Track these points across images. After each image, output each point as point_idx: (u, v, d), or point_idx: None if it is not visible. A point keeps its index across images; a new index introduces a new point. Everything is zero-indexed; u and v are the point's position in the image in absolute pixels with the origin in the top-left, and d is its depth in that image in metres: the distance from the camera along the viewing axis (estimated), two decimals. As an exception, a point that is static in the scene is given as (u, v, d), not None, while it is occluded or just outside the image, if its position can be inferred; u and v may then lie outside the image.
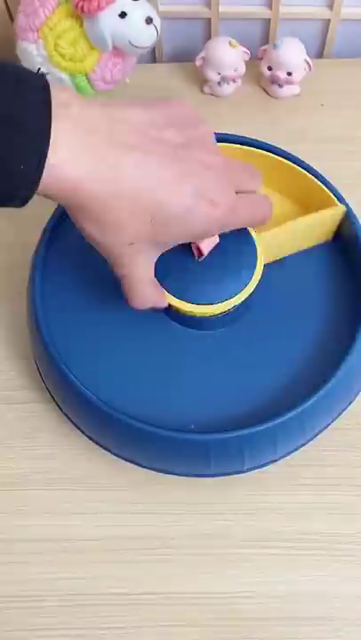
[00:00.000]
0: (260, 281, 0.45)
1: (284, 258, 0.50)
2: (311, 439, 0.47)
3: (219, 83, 0.65)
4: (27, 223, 0.51)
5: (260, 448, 0.44)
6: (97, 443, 0.48)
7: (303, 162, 0.50)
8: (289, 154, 0.51)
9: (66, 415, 0.49)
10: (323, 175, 0.50)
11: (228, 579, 0.46)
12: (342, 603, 0.45)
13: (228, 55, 0.63)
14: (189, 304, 0.44)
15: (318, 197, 0.49)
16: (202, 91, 0.67)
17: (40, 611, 0.46)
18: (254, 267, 0.44)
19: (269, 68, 0.64)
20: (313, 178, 0.49)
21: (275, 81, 0.65)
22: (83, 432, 0.49)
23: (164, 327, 0.47)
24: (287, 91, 0.65)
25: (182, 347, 0.47)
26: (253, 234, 0.45)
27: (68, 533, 0.48)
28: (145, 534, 0.48)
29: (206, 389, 0.45)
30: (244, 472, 0.46)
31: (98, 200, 0.36)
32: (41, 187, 0.34)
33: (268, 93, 0.67)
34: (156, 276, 0.42)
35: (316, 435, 0.47)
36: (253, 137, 0.51)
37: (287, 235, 0.48)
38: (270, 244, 0.47)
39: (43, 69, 0.58)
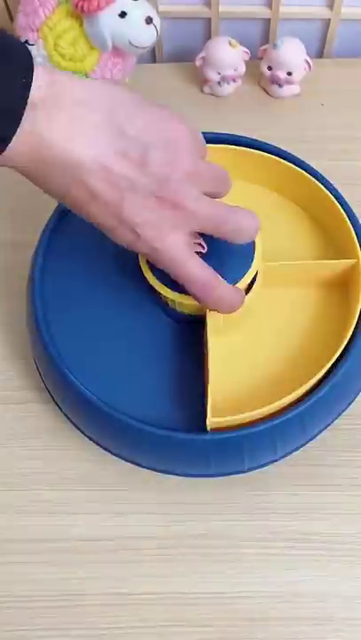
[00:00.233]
0: (259, 279, 0.44)
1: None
2: (311, 439, 0.47)
3: (219, 83, 0.65)
4: (27, 223, 0.51)
5: (260, 448, 0.44)
6: (97, 443, 0.48)
7: (303, 162, 0.50)
8: (289, 154, 0.51)
9: (65, 415, 0.49)
10: (323, 175, 0.50)
11: (228, 579, 0.46)
12: (342, 603, 0.45)
13: (228, 55, 0.63)
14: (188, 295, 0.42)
15: (318, 197, 0.49)
16: (202, 91, 0.67)
17: (40, 611, 0.46)
18: (251, 261, 0.43)
19: (269, 68, 0.64)
20: (313, 178, 0.49)
21: (275, 81, 0.65)
22: (82, 432, 0.49)
23: (165, 327, 0.47)
24: (287, 90, 0.65)
25: (183, 347, 0.47)
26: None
27: (68, 533, 0.48)
28: (145, 534, 0.47)
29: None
30: (244, 472, 0.46)
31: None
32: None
33: (268, 93, 0.67)
34: (156, 273, 0.42)
35: (316, 435, 0.47)
36: (253, 137, 0.51)
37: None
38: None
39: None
